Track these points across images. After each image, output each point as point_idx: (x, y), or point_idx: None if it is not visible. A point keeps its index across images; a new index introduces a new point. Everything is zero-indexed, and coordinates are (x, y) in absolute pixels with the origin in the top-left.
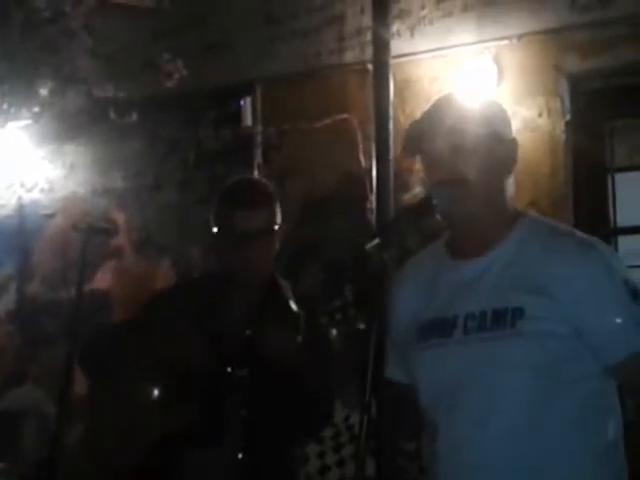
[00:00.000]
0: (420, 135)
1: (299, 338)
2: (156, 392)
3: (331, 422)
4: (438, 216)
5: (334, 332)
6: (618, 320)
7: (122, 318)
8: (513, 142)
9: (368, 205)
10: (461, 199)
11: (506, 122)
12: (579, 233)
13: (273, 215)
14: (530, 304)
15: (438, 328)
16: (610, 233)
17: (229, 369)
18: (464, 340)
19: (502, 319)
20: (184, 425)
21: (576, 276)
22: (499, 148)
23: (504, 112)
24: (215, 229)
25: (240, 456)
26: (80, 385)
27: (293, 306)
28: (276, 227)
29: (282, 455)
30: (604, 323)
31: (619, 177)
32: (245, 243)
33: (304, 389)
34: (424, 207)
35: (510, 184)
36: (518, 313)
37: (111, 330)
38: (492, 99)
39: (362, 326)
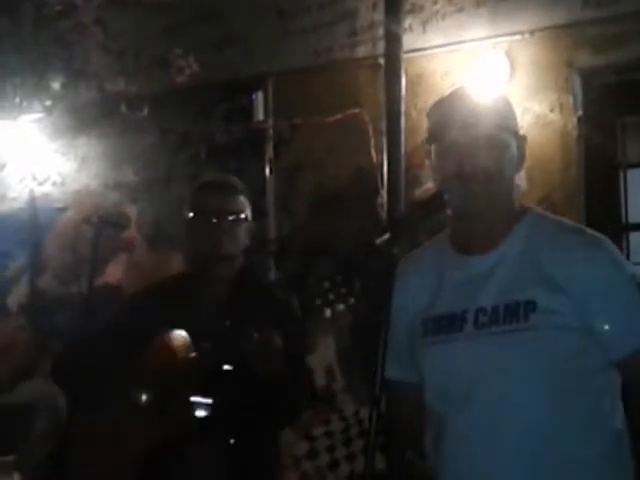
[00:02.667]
0: (448, 123)
1: (269, 336)
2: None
3: (301, 415)
4: (449, 211)
5: (328, 312)
6: (624, 316)
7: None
8: (524, 138)
9: (379, 200)
10: (478, 194)
11: (516, 118)
12: (587, 230)
13: (244, 206)
14: (542, 298)
15: (447, 323)
16: (621, 229)
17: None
18: (475, 335)
19: (515, 313)
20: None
21: (584, 273)
22: (511, 143)
23: (514, 109)
24: (190, 214)
25: (232, 441)
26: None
27: (264, 301)
28: (247, 217)
29: (261, 446)
30: (611, 319)
31: (631, 173)
32: (218, 226)
33: (270, 380)
34: (435, 202)
35: (517, 180)
36: (531, 307)
37: (80, 343)
38: (502, 95)
39: (352, 301)
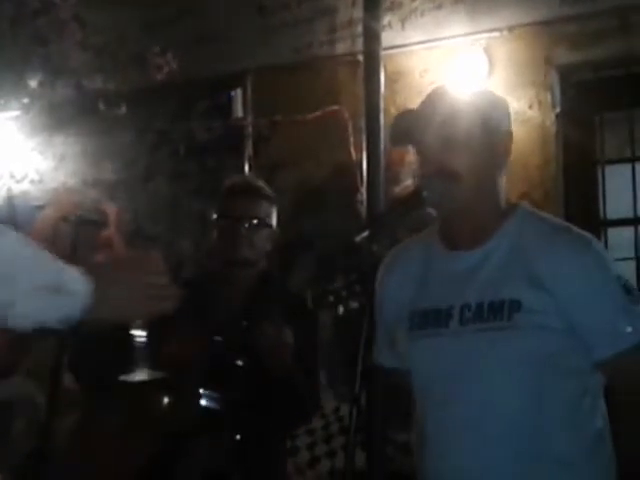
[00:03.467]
0: (410, 125)
1: (279, 329)
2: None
3: (311, 418)
4: (429, 208)
5: (341, 310)
6: (610, 316)
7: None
8: (508, 134)
9: (359, 197)
10: (452, 191)
11: (502, 114)
12: (574, 229)
13: (267, 211)
14: (527, 297)
15: (433, 318)
16: (599, 225)
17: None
18: (460, 331)
19: (499, 311)
20: (185, 423)
21: (571, 272)
22: (492, 140)
23: (501, 103)
24: (215, 216)
25: (238, 437)
26: (70, 377)
27: (279, 300)
28: (269, 222)
29: (270, 445)
30: (596, 319)
31: (609, 169)
32: (236, 229)
33: (289, 383)
34: (414, 199)
35: (504, 176)
36: (515, 305)
37: (99, 335)
38: (490, 90)
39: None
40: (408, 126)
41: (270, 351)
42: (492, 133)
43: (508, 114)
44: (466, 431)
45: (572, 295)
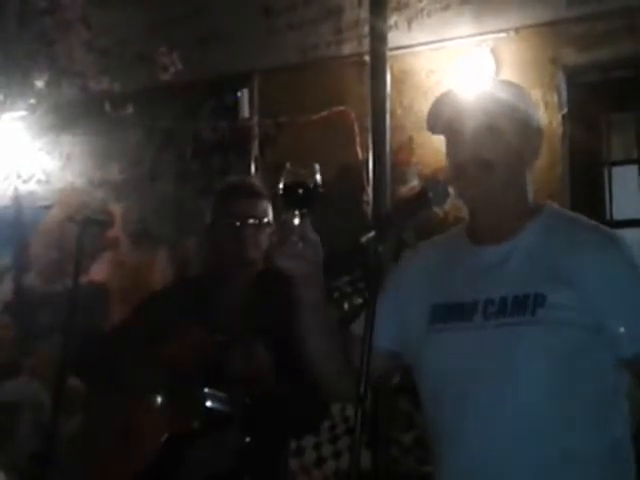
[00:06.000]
0: (446, 111)
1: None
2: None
3: (318, 428)
4: (434, 208)
5: (346, 306)
6: (635, 314)
7: (112, 325)
8: (538, 132)
9: (364, 197)
10: (481, 181)
11: (533, 111)
12: (602, 227)
13: (268, 211)
14: (552, 292)
15: (458, 312)
16: (606, 226)
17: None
18: (484, 325)
19: (522, 305)
20: (191, 422)
21: (596, 269)
22: (526, 135)
23: (531, 101)
24: (213, 218)
25: (247, 440)
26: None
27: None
28: (270, 222)
29: (277, 446)
30: (621, 317)
31: (616, 170)
32: (242, 230)
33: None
34: (420, 200)
35: (530, 176)
36: (540, 300)
37: (102, 337)
38: (515, 86)
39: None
40: (442, 112)
41: (243, 376)
42: (527, 128)
43: (537, 113)
44: (485, 427)
45: (597, 292)
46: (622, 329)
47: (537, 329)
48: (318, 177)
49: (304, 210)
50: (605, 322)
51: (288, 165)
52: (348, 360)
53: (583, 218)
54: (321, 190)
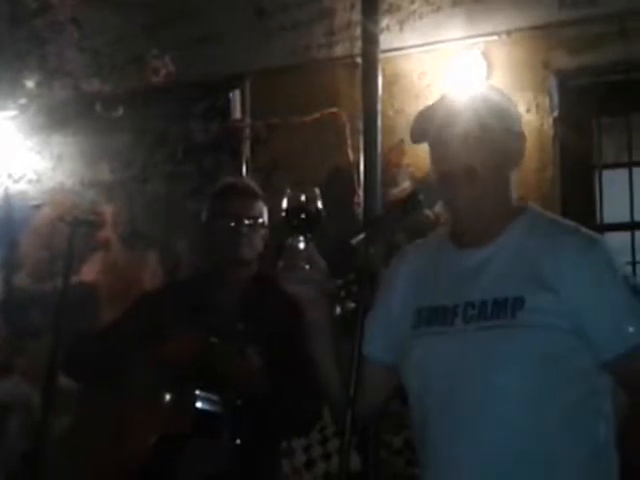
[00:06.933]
0: (430, 121)
1: (253, 359)
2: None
3: (309, 431)
4: (426, 210)
5: (338, 309)
6: (618, 315)
7: (104, 323)
8: (522, 136)
9: (356, 199)
10: (466, 189)
11: (516, 116)
12: (583, 230)
13: (263, 211)
14: (531, 296)
15: (440, 315)
16: (596, 229)
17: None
18: (464, 329)
19: (502, 309)
20: (183, 423)
21: (577, 272)
22: (508, 140)
23: (514, 106)
24: (208, 218)
25: (238, 442)
26: (65, 378)
27: (276, 303)
28: (264, 223)
29: (269, 447)
30: (602, 319)
31: (606, 173)
32: (238, 230)
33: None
34: (411, 202)
35: (514, 177)
36: (519, 303)
37: (94, 335)
38: (496, 91)
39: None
40: (426, 123)
41: (234, 377)
42: (508, 132)
43: (519, 117)
44: (467, 430)
45: (578, 295)
46: (601, 332)
47: (516, 331)
48: (319, 202)
49: (308, 235)
50: (585, 325)
51: (289, 190)
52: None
53: (564, 220)
54: (323, 214)
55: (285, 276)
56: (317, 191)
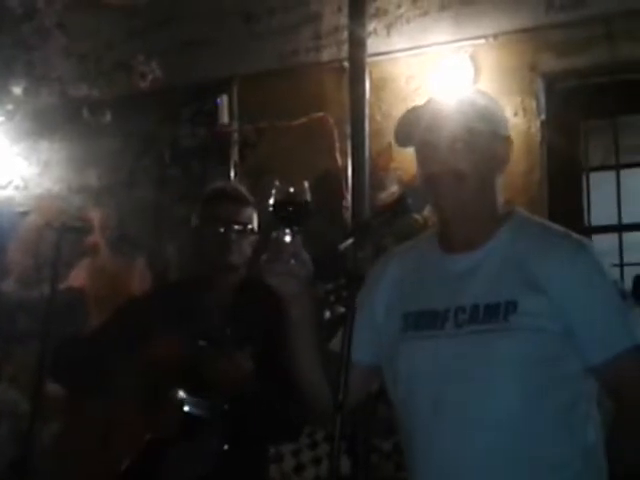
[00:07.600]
0: (416, 124)
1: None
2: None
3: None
4: (414, 214)
5: (328, 314)
6: (607, 320)
7: (91, 328)
8: (508, 140)
9: (344, 203)
10: (454, 192)
11: (502, 119)
12: (572, 234)
13: (252, 217)
14: (523, 299)
15: (429, 320)
16: (584, 232)
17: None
18: (455, 333)
19: (494, 313)
20: (170, 427)
21: (566, 276)
22: (494, 143)
23: (501, 109)
24: (198, 223)
25: (225, 447)
26: (53, 384)
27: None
28: (254, 229)
29: (256, 451)
30: (593, 323)
31: (593, 176)
32: (227, 235)
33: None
34: (400, 206)
35: (501, 181)
36: (511, 307)
37: (81, 339)
38: (484, 95)
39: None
40: (412, 126)
41: (221, 382)
42: (495, 137)
43: (506, 121)
44: (457, 434)
45: (567, 298)
46: (588, 336)
47: (509, 335)
48: (308, 195)
49: (295, 228)
50: (574, 328)
51: (277, 182)
52: (326, 376)
53: (552, 224)
54: (311, 208)
55: (268, 268)
56: (306, 184)
